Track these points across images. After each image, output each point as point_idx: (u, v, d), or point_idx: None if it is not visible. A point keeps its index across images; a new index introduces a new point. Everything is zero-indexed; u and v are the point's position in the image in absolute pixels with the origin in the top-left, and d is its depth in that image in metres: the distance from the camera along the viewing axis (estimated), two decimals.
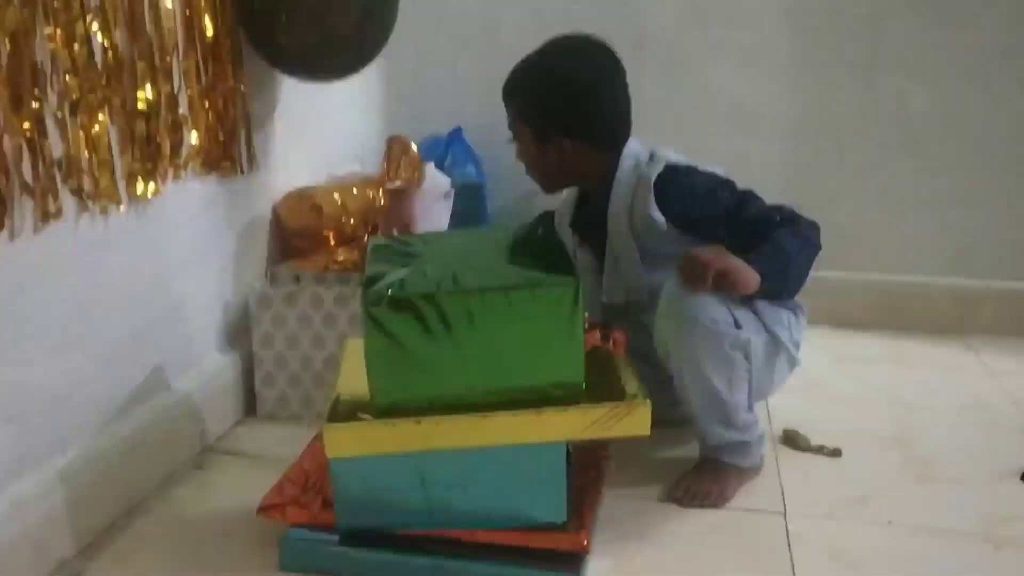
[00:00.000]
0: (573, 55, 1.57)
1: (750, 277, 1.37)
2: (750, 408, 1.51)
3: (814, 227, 1.47)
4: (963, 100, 2.23)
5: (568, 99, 1.54)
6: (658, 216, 1.51)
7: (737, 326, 1.42)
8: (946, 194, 2.30)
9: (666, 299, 1.43)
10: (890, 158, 2.31)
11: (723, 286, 1.37)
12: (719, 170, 1.56)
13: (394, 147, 1.95)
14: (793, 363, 1.56)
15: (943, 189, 2.30)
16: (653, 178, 1.52)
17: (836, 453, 1.64)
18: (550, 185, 1.65)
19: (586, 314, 1.27)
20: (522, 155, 1.62)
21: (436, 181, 2.14)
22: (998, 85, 2.21)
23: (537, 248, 1.31)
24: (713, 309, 1.39)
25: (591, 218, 1.65)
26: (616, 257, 1.60)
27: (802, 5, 2.28)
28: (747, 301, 1.45)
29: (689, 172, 1.55)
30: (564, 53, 1.58)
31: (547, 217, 1.59)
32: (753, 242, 1.42)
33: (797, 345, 1.56)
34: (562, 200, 1.75)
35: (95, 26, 1.28)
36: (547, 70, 1.57)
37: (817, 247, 1.46)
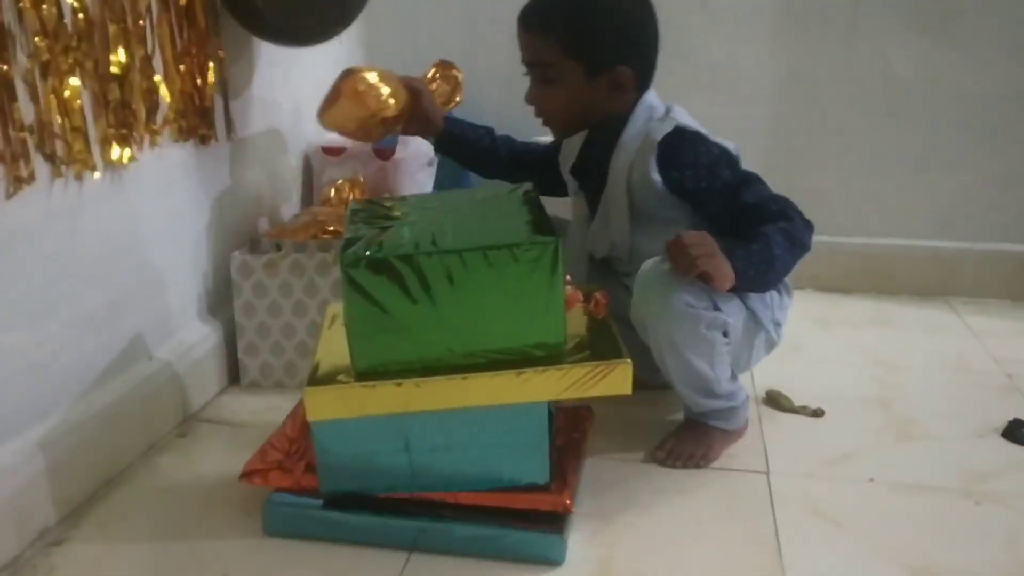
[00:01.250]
0: None
1: (726, 280, 1.34)
2: (733, 377, 1.50)
3: (808, 228, 1.42)
4: (945, 61, 2.22)
5: (625, 23, 1.47)
6: (656, 178, 1.46)
7: (715, 307, 1.39)
8: (928, 156, 2.29)
9: (642, 280, 1.40)
10: (872, 120, 2.30)
11: (702, 278, 1.35)
12: (730, 145, 1.51)
13: (440, 64, 1.89)
14: (772, 344, 1.55)
15: (925, 151, 2.29)
16: (659, 138, 1.47)
17: (819, 413, 1.65)
18: (568, 128, 1.58)
19: (568, 275, 1.26)
20: (548, 95, 1.51)
21: (419, 148, 2.13)
22: (980, 46, 2.20)
23: (517, 208, 1.30)
24: (688, 290, 1.36)
25: (593, 165, 1.60)
26: (608, 210, 1.56)
27: None
28: None
29: (696, 140, 1.48)
30: None
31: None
32: (743, 227, 1.40)
33: (778, 324, 1.54)
34: (565, 143, 1.69)
35: None
36: None
37: (805, 248, 1.41)
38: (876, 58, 2.26)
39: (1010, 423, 1.59)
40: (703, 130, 1.51)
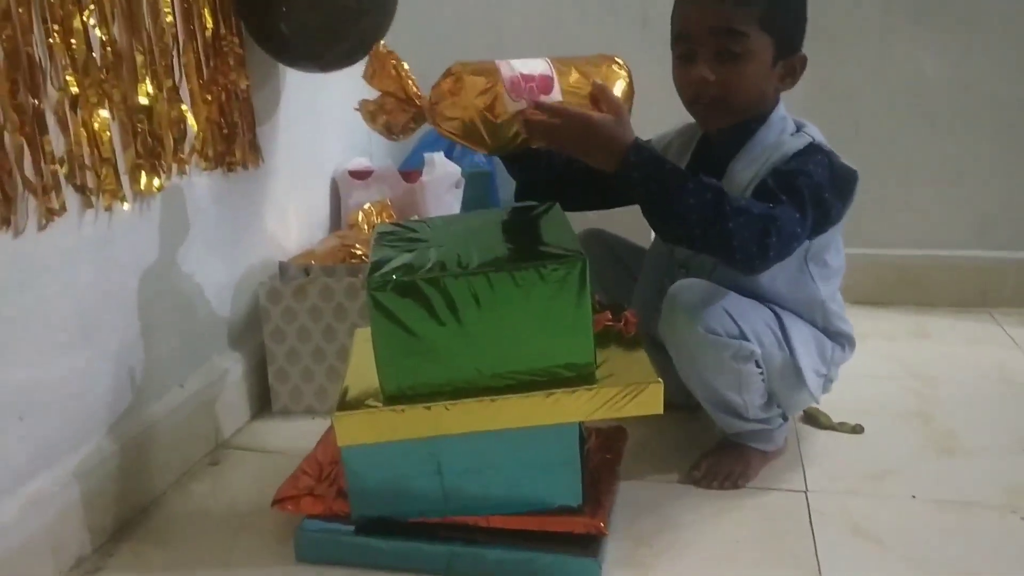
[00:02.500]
0: None
1: (608, 152, 1.22)
2: (768, 404, 1.43)
3: (761, 235, 1.23)
4: (979, 66, 2.19)
5: (804, 9, 1.38)
6: None
7: (742, 336, 1.33)
8: (964, 165, 2.25)
9: (668, 302, 1.35)
10: (906, 129, 2.26)
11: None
12: (854, 170, 1.38)
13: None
14: (811, 397, 1.47)
15: (961, 158, 2.25)
16: (790, 155, 1.35)
17: (858, 429, 1.61)
18: (735, 115, 1.39)
19: (596, 296, 1.25)
20: (730, 70, 1.34)
21: (446, 170, 2.14)
22: (1014, 50, 2.16)
23: (543, 227, 1.29)
24: (712, 318, 1.31)
25: (706, 166, 1.37)
26: None
27: None
28: (781, 316, 1.39)
29: (826, 155, 1.35)
30: None
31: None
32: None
33: (826, 379, 1.48)
34: (666, 137, 1.56)
35: (92, 21, 1.27)
36: None
37: (725, 230, 1.21)
38: (908, 66, 2.23)
39: None
40: (833, 153, 1.38)
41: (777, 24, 1.33)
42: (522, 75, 1.25)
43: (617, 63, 1.38)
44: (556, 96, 1.26)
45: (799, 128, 1.42)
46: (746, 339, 1.34)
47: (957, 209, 2.29)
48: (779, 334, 1.39)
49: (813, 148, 1.37)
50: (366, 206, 2.06)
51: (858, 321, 2.17)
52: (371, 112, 1.31)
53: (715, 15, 1.33)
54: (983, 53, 2.18)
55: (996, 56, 2.18)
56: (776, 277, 1.39)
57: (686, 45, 1.38)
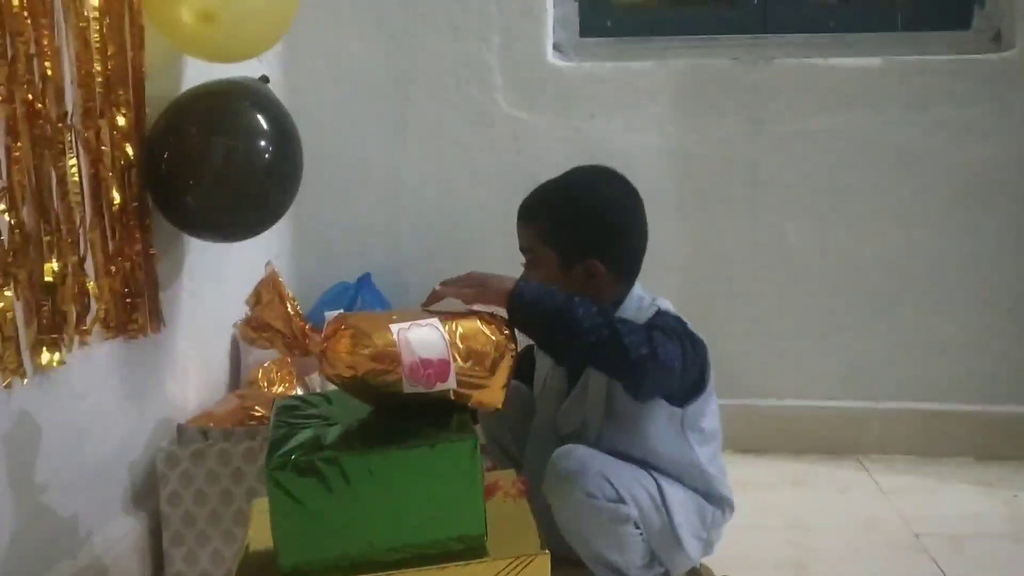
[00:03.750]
0: (604, 181, 1.62)
1: (502, 289, 1.36)
2: (650, 563, 1.51)
3: (647, 357, 1.35)
4: (835, 233, 2.42)
5: (603, 222, 1.57)
6: None
7: (619, 500, 1.43)
8: (829, 320, 2.45)
9: (550, 465, 1.46)
10: (774, 288, 2.46)
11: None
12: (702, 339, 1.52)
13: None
14: (688, 559, 1.56)
15: (825, 315, 2.45)
16: (650, 316, 1.52)
17: None
18: None
19: (489, 461, 1.31)
20: (530, 278, 1.52)
21: None
22: (865, 218, 2.41)
23: (437, 403, 1.36)
24: (591, 481, 1.41)
25: None
26: (588, 391, 1.58)
27: (686, 152, 2.45)
28: (660, 482, 1.49)
29: (678, 318, 1.53)
30: (595, 178, 1.62)
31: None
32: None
33: (705, 543, 1.57)
34: None
35: (2, 206, 1.32)
36: (581, 192, 1.60)
37: (620, 347, 1.34)
38: (774, 232, 2.44)
39: None
40: (682, 318, 1.55)
41: (556, 239, 1.57)
42: (421, 360, 1.25)
43: (498, 323, 1.34)
44: (451, 382, 1.27)
45: (652, 300, 1.59)
46: (623, 502, 1.43)
47: (825, 362, 2.47)
48: (657, 499, 1.49)
49: (664, 312, 1.55)
50: (266, 364, 2.10)
51: (738, 470, 2.29)
52: (251, 339, 1.33)
53: (519, 235, 1.63)
54: (837, 220, 2.41)
55: (849, 223, 2.41)
56: (657, 443, 1.52)
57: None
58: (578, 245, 1.56)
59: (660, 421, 1.52)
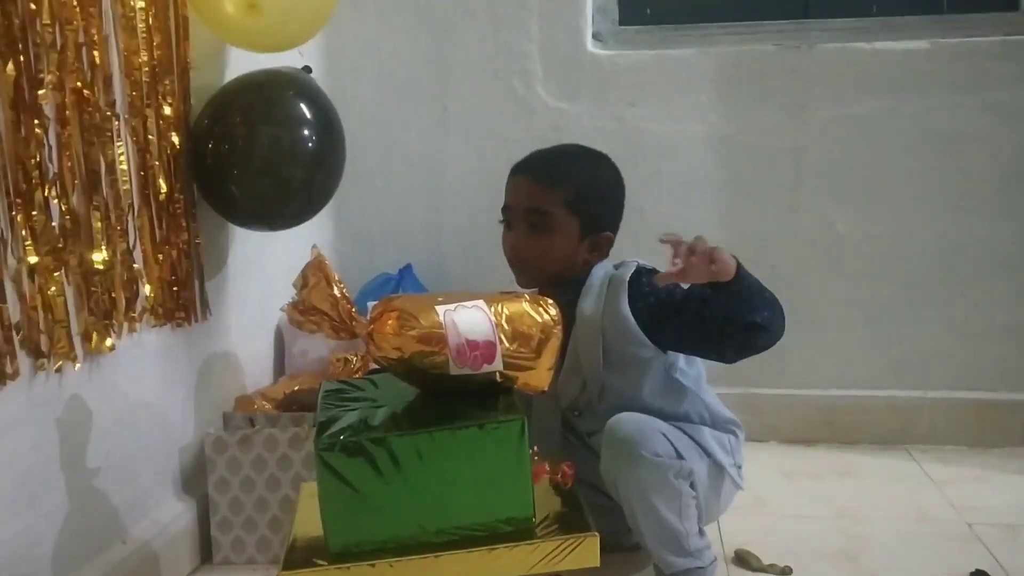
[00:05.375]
0: (606, 158, 1.65)
1: (730, 268, 1.39)
2: (701, 533, 1.54)
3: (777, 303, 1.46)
4: (882, 221, 2.38)
5: (620, 197, 1.64)
6: (628, 315, 1.53)
7: (679, 456, 1.47)
8: (876, 309, 2.41)
9: (608, 437, 1.48)
10: (819, 277, 2.42)
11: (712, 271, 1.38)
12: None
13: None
14: (736, 486, 1.62)
15: (873, 304, 2.41)
16: (628, 276, 1.55)
17: (787, 571, 1.68)
18: (541, 278, 1.60)
19: (534, 448, 1.31)
20: (537, 241, 1.57)
21: None
22: (913, 206, 2.36)
23: (483, 385, 1.36)
24: (654, 442, 1.45)
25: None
26: (578, 352, 1.58)
27: (728, 139, 2.43)
28: (687, 430, 1.53)
29: (656, 272, 1.53)
30: (599, 154, 1.65)
31: None
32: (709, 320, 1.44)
33: (739, 468, 1.62)
34: None
35: (53, 193, 1.34)
36: (605, 165, 1.63)
37: (776, 315, 1.45)
38: (818, 220, 2.40)
39: (972, 574, 1.63)
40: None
41: (583, 207, 1.56)
42: (468, 341, 1.24)
43: (544, 304, 1.32)
44: (498, 364, 1.26)
45: (618, 265, 1.61)
46: (683, 458, 1.47)
47: (873, 351, 2.42)
48: (694, 445, 1.53)
49: (642, 270, 1.57)
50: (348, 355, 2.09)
51: (785, 460, 2.29)
52: (298, 322, 1.35)
53: (528, 196, 1.58)
54: (886, 209, 2.37)
55: (897, 212, 2.36)
56: (655, 385, 1.58)
57: (507, 214, 1.61)
58: (600, 217, 1.60)
59: (651, 364, 1.57)
